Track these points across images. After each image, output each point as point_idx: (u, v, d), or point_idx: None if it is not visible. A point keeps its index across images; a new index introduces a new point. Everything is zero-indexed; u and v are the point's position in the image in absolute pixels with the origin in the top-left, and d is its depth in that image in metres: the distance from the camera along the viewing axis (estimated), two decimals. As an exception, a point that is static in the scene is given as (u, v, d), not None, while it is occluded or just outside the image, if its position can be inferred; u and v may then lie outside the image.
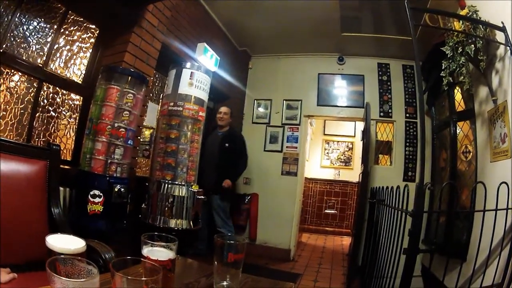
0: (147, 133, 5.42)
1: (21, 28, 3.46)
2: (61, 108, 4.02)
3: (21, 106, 3.53)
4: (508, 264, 2.66)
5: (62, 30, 3.90)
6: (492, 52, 3.55)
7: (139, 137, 4.60)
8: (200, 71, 4.56)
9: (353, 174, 11.33)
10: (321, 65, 8.01)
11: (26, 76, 3.56)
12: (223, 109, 6.35)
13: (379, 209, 4.92)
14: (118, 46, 4.20)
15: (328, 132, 12.49)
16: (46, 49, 3.73)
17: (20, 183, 2.55)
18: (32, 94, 3.62)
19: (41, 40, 3.69)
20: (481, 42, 3.37)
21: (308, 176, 10.49)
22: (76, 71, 4.16)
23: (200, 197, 4.46)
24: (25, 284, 2.01)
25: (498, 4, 3.43)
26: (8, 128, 3.41)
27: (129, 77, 3.80)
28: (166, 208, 4.24)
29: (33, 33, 3.60)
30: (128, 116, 3.73)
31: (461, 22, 3.48)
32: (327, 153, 12.49)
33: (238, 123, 8.14)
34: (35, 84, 3.64)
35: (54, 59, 3.86)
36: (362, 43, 7.07)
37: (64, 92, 4.03)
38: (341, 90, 7.91)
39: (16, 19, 3.38)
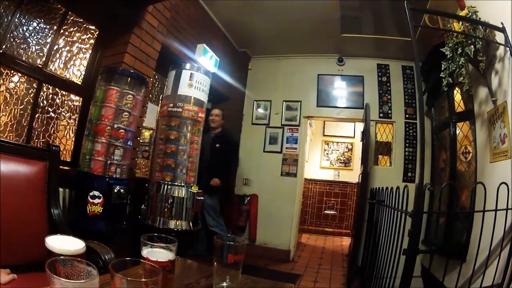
0: (146, 134, 5.43)
1: (21, 29, 3.47)
2: (60, 109, 4.03)
3: (20, 107, 3.53)
4: (508, 264, 2.66)
5: (61, 31, 3.90)
6: (492, 53, 3.55)
7: (138, 138, 4.60)
8: (200, 72, 4.56)
9: (353, 175, 11.32)
10: (321, 66, 8.01)
11: (25, 77, 3.56)
12: (215, 111, 6.41)
13: (378, 210, 4.92)
14: (117, 47, 4.20)
15: (327, 133, 12.48)
16: (45, 50, 3.74)
17: (20, 184, 2.54)
18: (31, 95, 3.63)
19: (40, 41, 3.69)
20: (481, 43, 3.37)
21: (307, 177, 10.48)
22: (76, 72, 4.16)
23: (199, 198, 4.46)
24: (25, 285, 2.01)
25: (498, 5, 3.43)
26: (7, 129, 3.42)
27: (129, 78, 3.81)
28: (166, 209, 4.24)
29: (32, 34, 3.61)
30: (128, 117, 3.73)
31: (460, 23, 3.48)
32: (327, 154, 12.48)
33: (238, 124, 8.15)
34: (34, 85, 3.64)
35: (54, 60, 3.87)
36: (361, 44, 7.07)
37: (64, 93, 4.03)
38: (340, 91, 7.91)
39: (16, 19, 3.38)
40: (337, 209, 11.31)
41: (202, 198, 4.52)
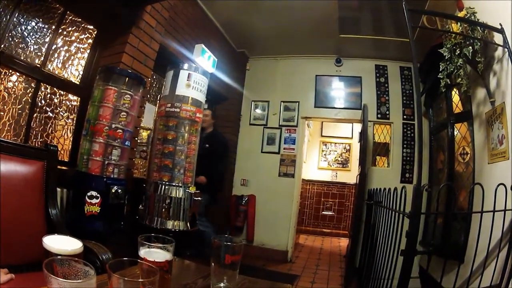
0: (144, 134, 5.43)
1: (19, 28, 3.46)
2: (58, 108, 4.02)
3: (18, 107, 3.53)
4: (506, 265, 2.66)
5: (60, 31, 3.90)
6: (490, 54, 3.56)
7: (136, 138, 4.60)
8: (198, 72, 4.55)
9: (351, 176, 11.35)
10: (319, 67, 8.02)
11: (24, 76, 3.56)
12: (205, 111, 6.39)
13: (376, 211, 4.93)
14: (116, 47, 4.19)
15: (325, 134, 12.50)
16: (44, 50, 3.73)
17: (18, 184, 2.54)
18: (29, 95, 3.62)
19: (39, 40, 3.69)
20: (479, 44, 3.37)
21: (305, 177, 10.49)
22: (74, 72, 4.16)
23: (197, 198, 4.46)
24: (23, 285, 2.01)
25: (496, 6, 3.44)
26: (5, 129, 3.41)
27: (127, 78, 3.80)
28: (163, 210, 4.23)
29: (31, 34, 3.60)
30: (126, 117, 3.72)
31: (459, 24, 3.48)
32: (325, 154, 12.51)
33: (236, 124, 8.15)
34: (33, 85, 3.65)
35: (52, 59, 3.87)
36: (360, 44, 7.07)
37: (62, 92, 4.03)
38: (338, 91, 7.91)
39: (15, 19, 3.37)
40: (335, 210, 11.33)
41: (199, 198, 4.52)
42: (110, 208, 3.52)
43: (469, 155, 4.20)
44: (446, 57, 3.60)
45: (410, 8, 3.10)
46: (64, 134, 4.14)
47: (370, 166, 7.09)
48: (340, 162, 12.35)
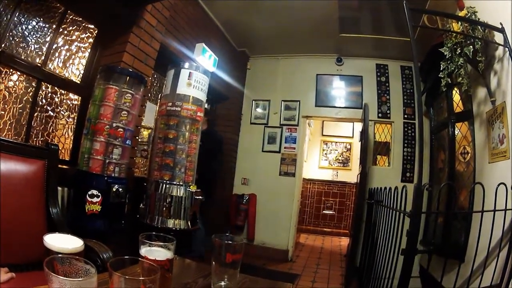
0: (145, 133, 5.43)
1: (20, 28, 3.46)
2: (59, 107, 4.02)
3: (19, 106, 3.53)
4: (506, 265, 2.66)
5: (61, 30, 3.90)
6: (491, 53, 3.56)
7: (137, 137, 4.60)
8: (199, 71, 4.56)
9: (351, 175, 11.34)
10: (320, 66, 8.01)
11: (24, 75, 3.56)
12: None
13: (377, 210, 4.93)
14: (116, 46, 4.19)
15: (326, 133, 12.49)
16: (44, 49, 3.73)
17: (19, 183, 2.54)
18: (30, 94, 3.62)
19: (39, 39, 3.69)
20: (480, 43, 3.37)
21: (306, 176, 10.47)
22: (75, 71, 4.16)
23: (198, 197, 4.46)
24: (24, 284, 2.01)
25: (497, 5, 3.44)
26: (6, 128, 3.41)
27: (128, 77, 3.80)
28: (164, 208, 4.24)
29: (32, 33, 3.60)
30: (127, 116, 3.72)
31: (459, 23, 3.48)
32: (325, 154, 12.49)
33: (237, 123, 8.15)
34: (33, 84, 3.64)
35: (53, 58, 3.87)
36: (360, 44, 7.07)
37: (63, 92, 4.03)
38: (339, 91, 7.92)
39: (15, 18, 3.37)
40: (336, 209, 11.32)
41: (200, 197, 4.52)
42: (111, 207, 3.53)
43: (469, 154, 4.20)
44: (447, 56, 3.60)
45: (411, 7, 3.10)
46: (65, 133, 4.14)
47: (371, 165, 7.09)
48: (340, 161, 12.34)
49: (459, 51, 3.48)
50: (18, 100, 3.52)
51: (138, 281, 1.01)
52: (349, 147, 12.30)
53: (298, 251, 8.20)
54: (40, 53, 3.70)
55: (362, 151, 6.78)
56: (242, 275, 1.66)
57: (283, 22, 6.55)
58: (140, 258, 1.30)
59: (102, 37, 4.34)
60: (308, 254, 8.07)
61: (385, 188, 4.25)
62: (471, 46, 3.38)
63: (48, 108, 3.88)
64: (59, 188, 3.17)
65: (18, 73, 3.50)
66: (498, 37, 3.34)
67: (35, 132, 3.75)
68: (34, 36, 3.63)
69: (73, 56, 4.11)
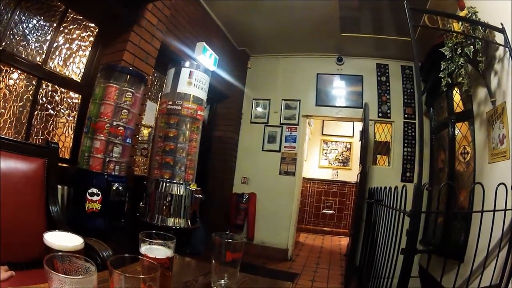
0: (145, 132, 5.43)
1: (20, 26, 3.47)
2: (60, 106, 4.02)
3: (20, 104, 3.53)
4: (506, 265, 2.66)
5: (61, 28, 3.90)
6: (491, 54, 3.55)
7: (137, 136, 4.60)
8: (199, 70, 4.57)
9: (351, 175, 11.36)
10: (320, 65, 8.01)
11: (25, 74, 3.56)
12: None
13: (377, 210, 4.93)
14: (117, 44, 4.19)
15: (326, 132, 12.49)
16: (45, 47, 3.74)
17: (19, 181, 2.55)
18: (31, 92, 3.62)
19: (40, 38, 3.69)
20: (480, 43, 3.37)
21: (306, 176, 10.46)
22: (75, 70, 4.16)
23: (198, 196, 4.46)
24: (24, 282, 2.02)
25: (498, 5, 3.44)
26: (6, 126, 3.42)
27: (128, 76, 3.80)
28: (164, 207, 4.24)
29: (32, 31, 3.60)
30: (127, 114, 3.73)
31: (460, 23, 3.48)
32: (325, 153, 12.49)
33: (237, 122, 8.16)
34: (34, 82, 3.65)
35: (53, 57, 3.87)
36: (361, 43, 7.07)
37: (63, 90, 4.03)
38: (339, 90, 7.91)
39: (16, 17, 3.38)
40: (335, 209, 11.33)
41: (200, 196, 4.52)
42: (111, 206, 3.53)
43: (469, 154, 4.20)
44: (448, 56, 3.60)
45: (412, 7, 3.10)
46: (65, 131, 4.14)
47: (371, 165, 7.09)
48: (341, 160, 12.34)
49: (460, 51, 3.47)
50: (19, 98, 3.52)
51: (138, 279, 1.01)
52: (349, 146, 12.30)
53: (298, 250, 8.21)
54: (41, 51, 3.70)
55: (362, 150, 6.79)
56: (242, 274, 1.67)
57: (283, 22, 6.55)
58: (140, 256, 1.30)
59: (102, 35, 4.34)
60: (308, 254, 8.07)
61: (385, 187, 4.25)
62: (471, 46, 3.38)
63: (49, 106, 3.88)
64: (59, 187, 3.17)
65: (19, 71, 3.50)
66: (499, 37, 3.34)
67: (35, 130, 3.75)
68: (35, 34, 3.63)
69: (73, 55, 4.11)
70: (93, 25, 4.28)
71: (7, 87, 3.41)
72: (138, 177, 4.76)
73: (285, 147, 7.87)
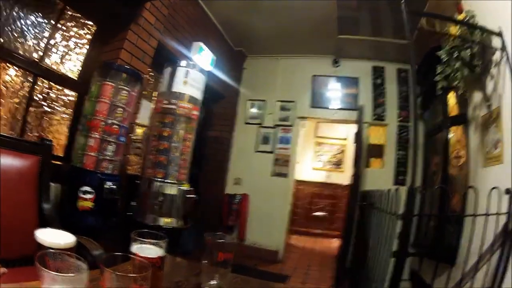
0: (139, 131, 5.41)
1: (18, 23, 3.45)
2: (55, 103, 4.01)
3: (15, 101, 3.52)
4: (497, 269, 2.67)
5: (59, 26, 3.89)
6: (488, 57, 3.55)
7: (131, 135, 4.59)
8: (195, 69, 4.56)
9: (344, 177, 11.29)
10: (316, 67, 8.01)
11: (21, 70, 3.55)
12: None
13: (369, 212, 4.93)
14: (114, 43, 4.19)
15: (320, 134, 12.46)
16: (42, 44, 3.73)
17: (12, 178, 2.54)
18: (26, 89, 3.61)
19: (38, 35, 3.68)
20: (477, 47, 3.38)
21: (298, 178, 10.43)
22: (72, 67, 4.15)
23: (190, 196, 4.45)
24: (16, 279, 2.00)
25: (496, 7, 3.44)
26: (2, 123, 3.40)
27: (124, 74, 3.80)
28: (156, 207, 4.23)
29: (30, 28, 3.59)
30: (122, 113, 3.72)
31: (457, 26, 3.48)
32: (319, 155, 12.48)
33: (232, 123, 8.17)
34: (30, 79, 3.63)
35: (50, 54, 3.86)
36: (358, 45, 7.07)
37: (59, 87, 4.02)
38: (335, 92, 7.90)
39: (14, 13, 3.36)
40: (328, 211, 11.31)
41: (193, 196, 4.51)
42: (103, 204, 3.53)
43: (463, 158, 4.21)
44: (444, 60, 3.60)
45: (410, 9, 3.10)
46: (60, 129, 4.13)
47: (364, 168, 7.09)
48: (334, 163, 12.32)
49: (457, 54, 3.48)
50: (15, 95, 3.51)
51: (129, 278, 1.01)
52: (343, 148, 12.28)
53: (289, 252, 8.19)
54: (38, 48, 3.69)
55: (356, 153, 6.80)
56: (233, 275, 1.66)
57: (281, 23, 6.55)
58: (131, 255, 1.30)
59: (100, 33, 4.33)
60: (299, 256, 8.08)
61: (378, 190, 4.25)
62: (468, 50, 3.38)
63: (44, 103, 3.86)
64: (52, 184, 3.16)
65: (15, 68, 3.49)
66: (496, 41, 3.34)
67: (30, 127, 3.74)
68: (32, 31, 3.62)
69: (70, 52, 4.10)
70: (91, 23, 4.26)
71: (3, 84, 3.39)
72: (131, 176, 4.76)
73: (278, 148, 7.88)
